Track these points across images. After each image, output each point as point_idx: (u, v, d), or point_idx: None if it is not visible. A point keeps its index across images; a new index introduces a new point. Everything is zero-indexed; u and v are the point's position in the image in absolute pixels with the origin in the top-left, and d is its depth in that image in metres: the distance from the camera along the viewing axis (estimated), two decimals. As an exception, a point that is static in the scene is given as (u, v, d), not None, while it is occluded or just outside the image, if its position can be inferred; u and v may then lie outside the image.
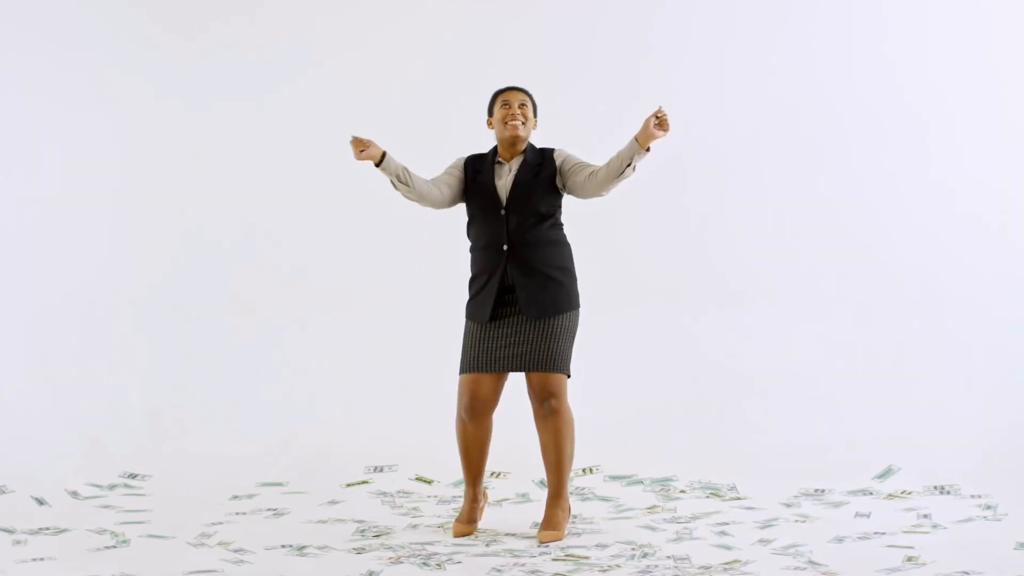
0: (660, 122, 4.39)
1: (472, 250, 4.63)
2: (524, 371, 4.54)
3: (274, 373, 6.19)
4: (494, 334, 4.54)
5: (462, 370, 4.59)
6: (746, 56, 6.28)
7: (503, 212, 4.53)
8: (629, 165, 4.47)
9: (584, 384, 6.11)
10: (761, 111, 6.25)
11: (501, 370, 4.54)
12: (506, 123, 4.56)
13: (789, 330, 6.14)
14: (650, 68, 6.28)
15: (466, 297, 4.65)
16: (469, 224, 4.64)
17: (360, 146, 4.46)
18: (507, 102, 4.59)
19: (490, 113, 4.64)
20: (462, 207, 4.68)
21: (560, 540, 4.50)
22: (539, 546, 4.42)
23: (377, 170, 4.51)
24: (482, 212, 4.56)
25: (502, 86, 4.67)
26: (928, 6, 6.22)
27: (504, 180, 4.56)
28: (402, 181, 4.51)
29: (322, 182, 6.24)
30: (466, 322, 4.63)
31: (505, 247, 4.52)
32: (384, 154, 4.47)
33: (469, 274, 4.64)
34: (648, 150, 4.44)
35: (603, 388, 6.12)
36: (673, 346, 6.18)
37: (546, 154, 4.60)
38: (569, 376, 4.60)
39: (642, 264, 6.27)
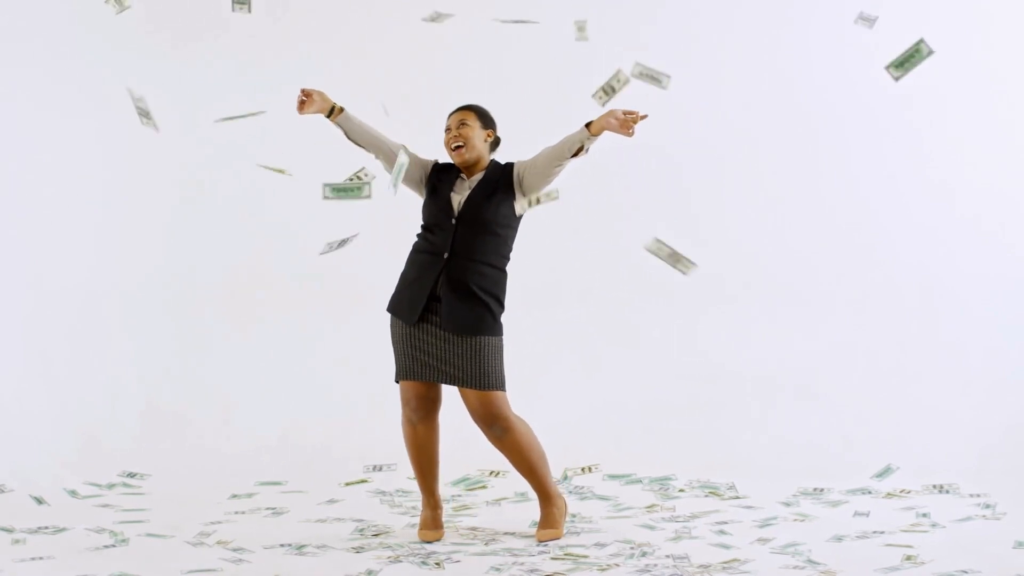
0: (627, 123, 4.30)
1: (413, 251, 4.57)
2: (458, 387, 4.47)
3: (272, 371, 6.19)
4: (420, 340, 4.48)
5: (398, 377, 4.55)
6: (744, 54, 6.27)
7: (454, 222, 4.48)
8: (582, 150, 4.42)
9: (583, 383, 6.14)
10: (759, 110, 6.25)
11: (435, 381, 4.49)
12: (451, 148, 4.55)
13: (788, 330, 6.15)
14: (647, 62, 6.27)
15: None
16: (421, 231, 4.58)
17: (304, 99, 4.44)
18: (448, 126, 4.57)
19: None
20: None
21: (559, 537, 4.50)
22: (538, 545, 4.42)
23: (328, 121, 4.49)
24: (435, 219, 4.51)
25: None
26: (927, 5, 6.22)
27: (462, 194, 4.52)
28: (351, 139, 4.51)
29: (319, 179, 6.22)
30: (391, 320, 4.56)
31: (446, 255, 4.46)
32: (335, 109, 4.46)
33: None
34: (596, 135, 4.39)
35: (602, 387, 6.13)
36: (672, 346, 6.18)
37: (506, 170, 4.55)
38: (504, 390, 4.50)
39: (639, 264, 6.26)
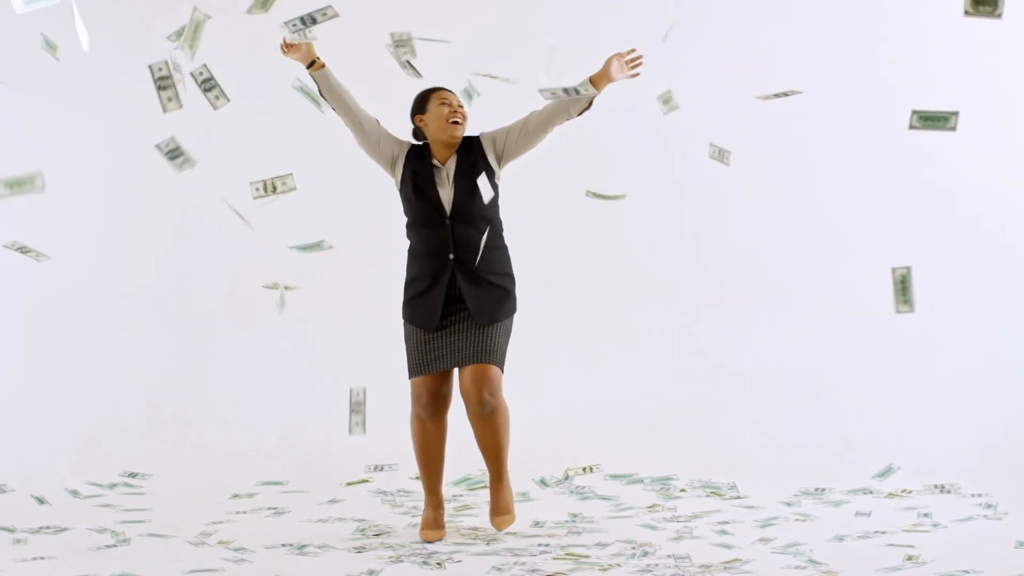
0: (631, 63, 4.39)
1: (413, 254, 4.54)
2: (461, 366, 4.45)
3: (273, 371, 6.19)
4: (437, 341, 4.47)
5: (413, 374, 4.52)
6: (743, 54, 6.27)
7: (448, 222, 4.46)
8: (589, 107, 4.45)
9: (583, 383, 6.14)
10: (759, 110, 6.23)
11: (448, 367, 4.48)
12: (449, 121, 4.49)
13: (788, 330, 6.15)
14: (647, 65, 6.27)
15: None
16: (409, 227, 4.55)
17: (287, 45, 4.42)
18: (446, 100, 4.52)
19: (421, 111, 4.54)
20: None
21: (515, 521, 4.53)
22: (539, 546, 4.40)
23: (309, 73, 4.46)
24: (423, 220, 4.47)
25: (428, 88, 4.58)
26: (926, 6, 6.22)
27: (446, 189, 4.48)
28: (324, 96, 4.46)
29: (319, 179, 6.23)
30: (407, 326, 4.55)
31: (451, 256, 4.45)
32: (316, 63, 4.41)
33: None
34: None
35: (602, 387, 6.13)
36: (673, 346, 6.18)
37: (475, 146, 4.53)
38: (503, 372, 4.52)
39: (640, 263, 6.27)
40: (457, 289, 4.46)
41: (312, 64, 4.45)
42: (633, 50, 4.44)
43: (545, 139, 4.55)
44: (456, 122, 4.49)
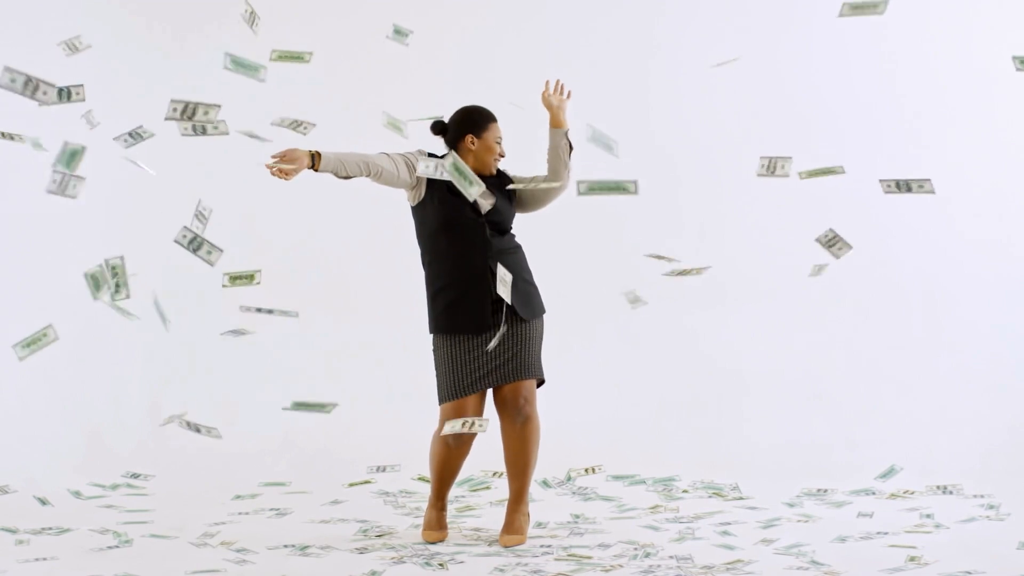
0: (557, 92, 4.51)
1: (442, 259, 4.47)
2: (502, 383, 4.46)
3: (275, 372, 6.19)
4: (476, 351, 4.45)
5: (449, 397, 4.45)
6: (744, 54, 6.27)
7: (483, 219, 4.47)
8: (570, 150, 4.57)
9: (585, 384, 6.14)
10: (759, 111, 6.25)
11: (489, 385, 4.46)
12: (495, 159, 4.53)
13: (790, 330, 6.15)
14: (648, 67, 6.28)
15: None
16: (437, 233, 4.47)
17: (281, 165, 4.30)
18: (500, 138, 4.54)
19: (475, 133, 4.51)
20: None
21: (523, 544, 4.45)
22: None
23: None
24: (458, 219, 4.44)
25: (487, 109, 4.56)
26: (927, 8, 6.22)
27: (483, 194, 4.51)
28: (341, 176, 4.38)
29: (322, 180, 6.22)
30: (444, 341, 4.47)
31: (488, 254, 4.46)
32: (314, 157, 4.29)
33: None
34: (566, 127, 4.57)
35: (605, 388, 6.13)
36: (675, 346, 6.18)
37: (500, 172, 4.58)
38: (543, 381, 4.56)
39: (642, 264, 6.26)
40: (496, 294, 4.40)
41: (313, 162, 4.32)
42: (547, 82, 4.53)
43: (553, 202, 4.66)
44: (499, 160, 4.57)
